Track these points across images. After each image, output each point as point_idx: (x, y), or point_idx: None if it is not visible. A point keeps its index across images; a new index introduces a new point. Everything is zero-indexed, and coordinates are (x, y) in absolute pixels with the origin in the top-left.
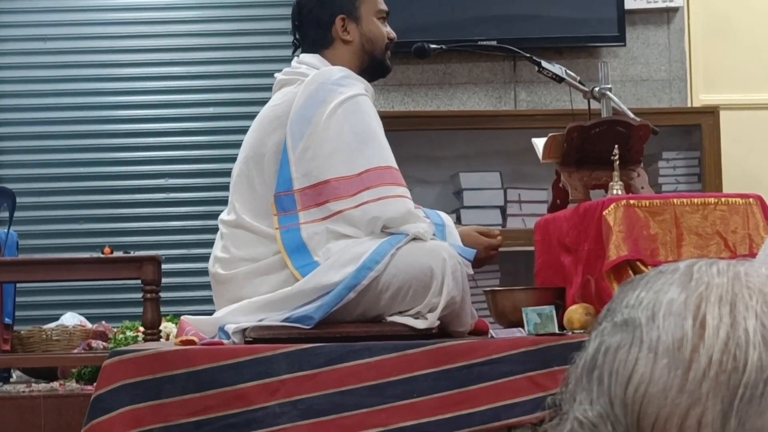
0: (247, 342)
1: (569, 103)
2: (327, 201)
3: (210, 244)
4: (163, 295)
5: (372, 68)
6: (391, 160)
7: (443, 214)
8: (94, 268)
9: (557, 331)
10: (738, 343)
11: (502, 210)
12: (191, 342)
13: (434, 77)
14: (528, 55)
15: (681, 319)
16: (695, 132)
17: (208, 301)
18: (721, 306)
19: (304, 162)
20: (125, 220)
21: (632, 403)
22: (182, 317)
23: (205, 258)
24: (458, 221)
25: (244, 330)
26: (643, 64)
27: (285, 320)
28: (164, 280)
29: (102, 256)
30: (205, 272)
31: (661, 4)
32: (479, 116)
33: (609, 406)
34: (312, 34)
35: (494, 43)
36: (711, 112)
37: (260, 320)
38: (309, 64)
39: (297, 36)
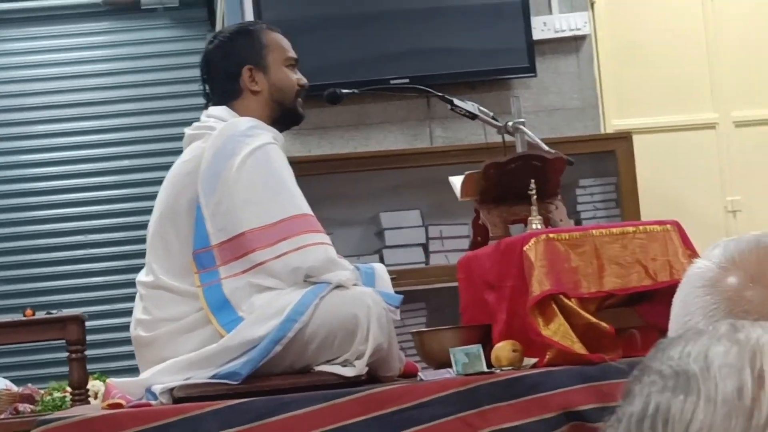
0: (175, 401)
1: (484, 137)
2: (246, 253)
3: (134, 298)
4: (88, 352)
5: (283, 117)
6: (305, 208)
7: (376, 265)
8: (16, 331)
9: (485, 369)
10: None
11: (425, 247)
12: (118, 405)
13: (349, 119)
14: (440, 94)
15: (738, 369)
16: (610, 158)
17: (135, 357)
18: None
19: (218, 216)
20: (46, 279)
21: None
22: (108, 380)
23: (130, 312)
24: (381, 261)
25: (172, 389)
26: (555, 93)
27: (212, 377)
28: (89, 337)
29: (24, 318)
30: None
31: (568, 33)
32: (396, 155)
33: None
34: (220, 86)
35: (407, 81)
36: (624, 138)
37: (187, 379)
38: (217, 117)
39: (206, 89)
